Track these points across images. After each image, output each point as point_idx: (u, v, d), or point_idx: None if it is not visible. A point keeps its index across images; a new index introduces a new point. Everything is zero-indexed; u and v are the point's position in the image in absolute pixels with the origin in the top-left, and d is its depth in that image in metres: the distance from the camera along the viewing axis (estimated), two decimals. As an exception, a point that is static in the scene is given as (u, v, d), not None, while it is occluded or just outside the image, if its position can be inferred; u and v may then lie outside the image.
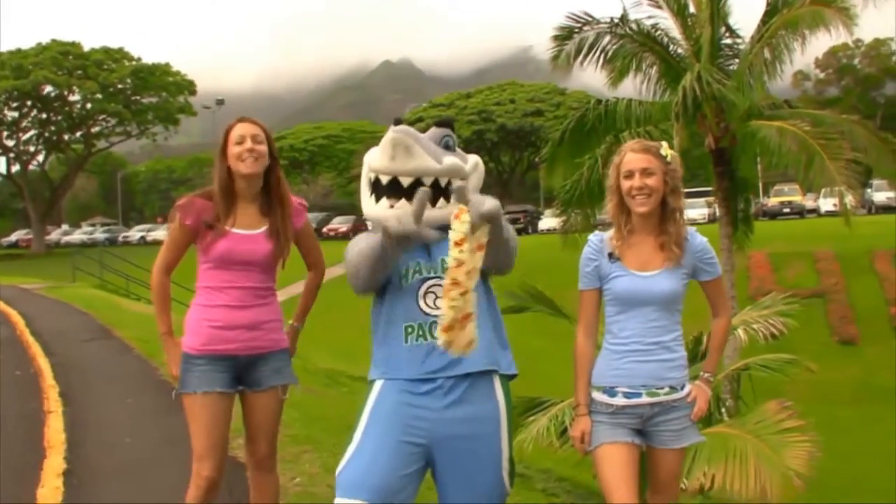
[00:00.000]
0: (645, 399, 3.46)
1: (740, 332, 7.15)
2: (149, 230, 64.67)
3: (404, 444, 3.22)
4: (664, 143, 3.48)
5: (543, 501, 6.11)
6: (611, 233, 3.55)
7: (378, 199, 3.34)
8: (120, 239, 64.33)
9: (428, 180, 3.26)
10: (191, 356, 3.64)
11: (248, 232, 3.67)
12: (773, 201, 48.89)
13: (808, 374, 7.41)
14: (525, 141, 65.36)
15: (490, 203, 3.02)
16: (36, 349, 11.19)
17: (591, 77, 16.21)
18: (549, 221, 40.09)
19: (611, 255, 3.50)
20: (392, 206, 3.27)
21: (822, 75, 70.59)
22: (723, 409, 7.48)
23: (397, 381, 3.30)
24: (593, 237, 3.59)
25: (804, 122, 13.59)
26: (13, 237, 68.42)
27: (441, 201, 3.28)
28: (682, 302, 3.51)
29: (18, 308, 16.50)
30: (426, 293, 3.30)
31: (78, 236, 66.92)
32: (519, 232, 49.74)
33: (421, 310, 3.30)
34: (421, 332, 3.28)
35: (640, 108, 15.30)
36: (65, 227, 74.91)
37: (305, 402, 8.62)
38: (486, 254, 3.07)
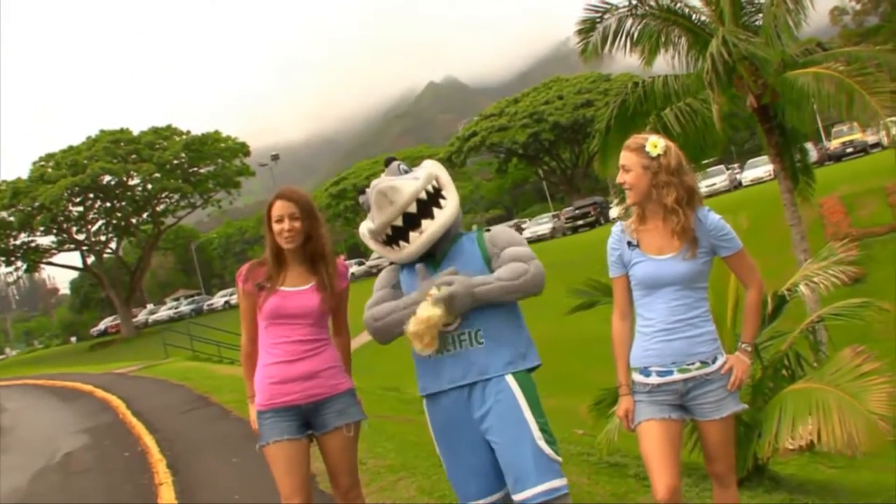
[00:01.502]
0: (677, 376, 3.64)
1: (802, 287, 7.08)
2: (231, 294, 65.19)
3: (473, 458, 3.65)
4: (652, 138, 3.66)
5: (635, 486, 6.23)
6: (629, 221, 3.76)
7: (398, 245, 3.81)
8: (205, 308, 65.80)
9: (423, 195, 3.73)
10: (260, 412, 4.02)
11: (296, 288, 4.01)
12: (835, 144, 48.23)
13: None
14: (581, 134, 64.87)
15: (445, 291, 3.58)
16: (140, 429, 11.51)
17: (631, 58, 16.10)
18: (618, 210, 40.38)
19: (629, 244, 3.70)
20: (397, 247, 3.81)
21: (857, 6, 68.78)
22: (815, 364, 7.40)
23: (433, 396, 3.78)
24: (615, 228, 3.81)
25: (839, 63, 13.36)
26: (101, 325, 70.03)
27: (425, 221, 3.75)
28: (704, 280, 3.69)
29: (116, 392, 16.84)
30: None
31: (164, 313, 68.39)
32: (591, 225, 49.77)
33: None
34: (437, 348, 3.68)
35: (676, 82, 15.28)
36: (150, 306, 76.40)
37: (401, 431, 8.81)
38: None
